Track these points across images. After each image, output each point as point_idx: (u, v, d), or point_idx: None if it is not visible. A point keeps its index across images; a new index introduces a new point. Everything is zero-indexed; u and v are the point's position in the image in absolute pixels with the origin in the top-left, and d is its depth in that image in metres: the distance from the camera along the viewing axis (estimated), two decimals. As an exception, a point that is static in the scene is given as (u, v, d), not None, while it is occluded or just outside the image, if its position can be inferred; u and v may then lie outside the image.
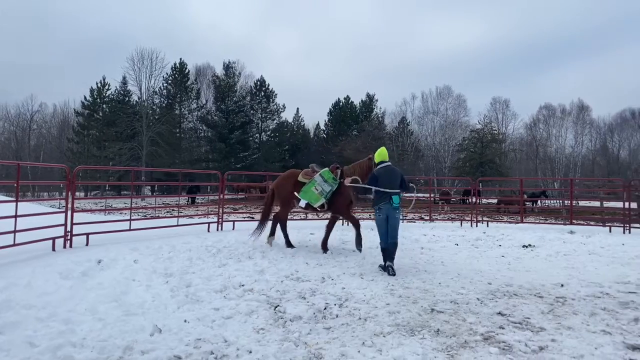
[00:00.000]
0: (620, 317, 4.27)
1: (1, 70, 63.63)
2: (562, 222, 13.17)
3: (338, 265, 6.68)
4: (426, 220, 13.93)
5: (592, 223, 13.34)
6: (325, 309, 4.52)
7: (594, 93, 79.38)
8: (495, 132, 53.24)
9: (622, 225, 11.64)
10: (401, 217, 7.59)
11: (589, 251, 8.19)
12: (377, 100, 57.18)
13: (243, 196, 26.28)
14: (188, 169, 34.64)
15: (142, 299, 4.63)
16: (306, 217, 13.33)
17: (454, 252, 8.10)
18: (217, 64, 55.17)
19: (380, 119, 56.00)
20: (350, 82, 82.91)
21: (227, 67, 50.83)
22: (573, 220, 12.84)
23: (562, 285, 5.58)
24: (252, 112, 51.20)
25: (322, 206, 7.81)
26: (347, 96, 57.26)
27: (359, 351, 3.43)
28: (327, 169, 7.98)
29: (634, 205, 12.85)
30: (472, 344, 3.56)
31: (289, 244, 8.08)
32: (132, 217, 8.82)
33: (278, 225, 8.33)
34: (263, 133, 53.01)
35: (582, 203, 17.73)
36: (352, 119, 54.93)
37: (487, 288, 5.41)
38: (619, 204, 13.30)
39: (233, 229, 10.26)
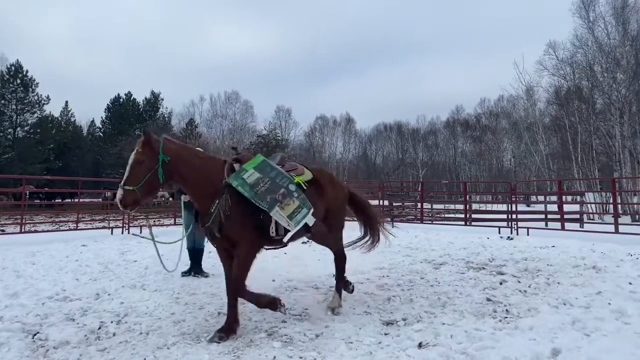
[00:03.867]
0: (377, 298, 5.05)
1: None
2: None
3: (116, 278, 6.05)
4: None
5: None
6: (99, 328, 4.02)
7: (357, 107, 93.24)
8: (279, 138, 57.09)
9: (378, 220, 13.87)
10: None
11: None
12: (163, 100, 54.35)
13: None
14: None
15: None
16: (77, 226, 11.70)
17: (241, 253, 8.28)
18: (-50, 39, 43.52)
19: (166, 119, 53.49)
20: (132, 78, 76.67)
21: (-35, 44, 40.60)
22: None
23: (333, 276, 6.28)
24: (3, 102, 42.01)
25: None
26: (129, 92, 52.73)
27: (139, 369, 3.15)
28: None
29: (386, 202, 15.49)
30: (257, 342, 3.67)
31: None
32: None
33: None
34: (19, 128, 43.90)
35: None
36: (134, 117, 50.77)
37: (271, 285, 5.70)
38: (376, 202, 15.85)
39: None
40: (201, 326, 4.09)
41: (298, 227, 3.91)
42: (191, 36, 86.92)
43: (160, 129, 46.67)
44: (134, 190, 3.69)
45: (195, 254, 6.50)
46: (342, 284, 4.90)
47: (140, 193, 3.72)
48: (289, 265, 7.09)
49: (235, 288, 3.88)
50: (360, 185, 29.33)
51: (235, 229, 3.84)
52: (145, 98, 53.53)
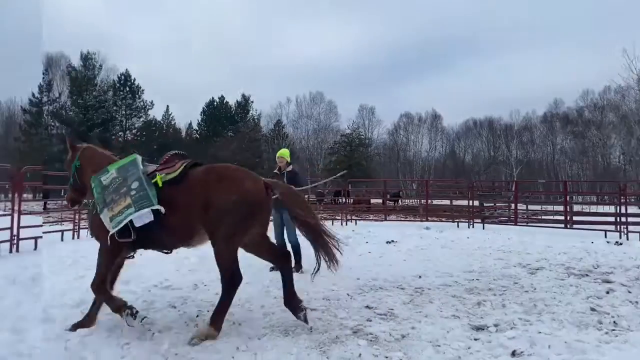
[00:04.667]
0: (466, 302, 4.86)
1: None
2: (419, 219, 14.61)
3: (211, 270, 6.45)
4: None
5: (443, 219, 15.01)
6: (197, 316, 4.35)
7: (443, 103, 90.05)
8: (362, 137, 57.06)
9: (467, 221, 13.32)
10: None
11: (442, 245, 9.19)
12: (252, 102, 57.00)
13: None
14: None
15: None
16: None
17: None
18: (74, 54, 49.04)
19: (256, 120, 55.99)
20: (225, 81, 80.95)
21: (86, 58, 45.96)
22: (428, 218, 14.32)
23: (420, 277, 6.16)
24: (115, 108, 46.97)
25: None
26: (222, 96, 56.11)
27: (232, 357, 3.35)
28: None
29: (476, 203, 14.80)
30: (343, 338, 3.71)
31: None
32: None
33: None
34: (128, 131, 49.07)
35: (435, 202, 19.82)
36: (227, 119, 53.88)
37: (356, 283, 5.72)
38: (465, 202, 15.22)
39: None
40: (289, 320, 4.23)
41: (117, 229, 3.64)
42: (276, 38, 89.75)
43: (250, 130, 49.20)
44: (70, 191, 4.32)
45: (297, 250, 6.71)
46: (221, 315, 3.80)
47: (73, 194, 4.32)
48: (374, 265, 7.07)
49: (94, 286, 3.95)
50: (448, 185, 28.42)
51: (94, 231, 4.04)
52: (237, 101, 56.52)
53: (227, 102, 56.14)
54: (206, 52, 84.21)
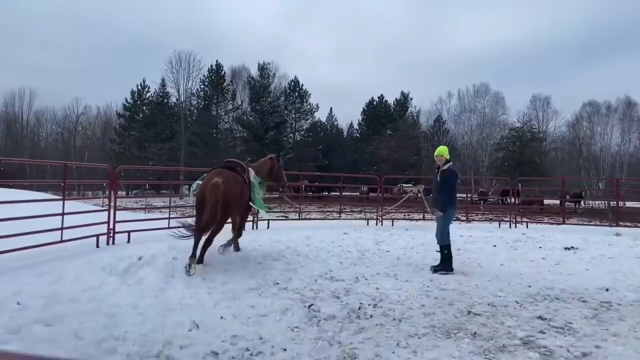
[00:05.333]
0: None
1: (49, 74, 66.88)
2: (608, 224, 12.61)
3: (371, 265, 6.66)
4: (463, 221, 13.62)
5: (639, 225, 12.69)
6: (359, 309, 4.50)
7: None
8: (535, 130, 51.64)
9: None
10: (453, 220, 7.12)
11: (638, 255, 7.79)
12: (411, 99, 56.55)
13: (277, 195, 26.78)
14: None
15: (180, 295, 4.72)
16: (340, 216, 13.30)
17: (491, 253, 7.89)
18: (252, 65, 55.50)
19: (415, 117, 55.42)
20: (384, 81, 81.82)
21: (262, 68, 51.61)
22: (619, 222, 12.27)
23: (607, 290, 5.35)
24: (286, 112, 51.77)
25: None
26: (381, 95, 56.94)
27: (393, 352, 3.40)
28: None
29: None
30: (511, 348, 3.46)
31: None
32: (171, 216, 8.82)
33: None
34: (297, 133, 53.49)
35: (629, 204, 16.83)
36: (386, 118, 54.53)
37: (527, 291, 5.25)
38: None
39: (268, 228, 10.34)
40: (451, 322, 4.11)
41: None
42: (436, 32, 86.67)
43: (409, 128, 48.96)
44: None
45: (440, 249, 6.52)
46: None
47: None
48: (548, 272, 6.37)
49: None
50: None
51: None
52: (396, 99, 56.75)
53: (386, 101, 56.79)
54: (367, 52, 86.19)
